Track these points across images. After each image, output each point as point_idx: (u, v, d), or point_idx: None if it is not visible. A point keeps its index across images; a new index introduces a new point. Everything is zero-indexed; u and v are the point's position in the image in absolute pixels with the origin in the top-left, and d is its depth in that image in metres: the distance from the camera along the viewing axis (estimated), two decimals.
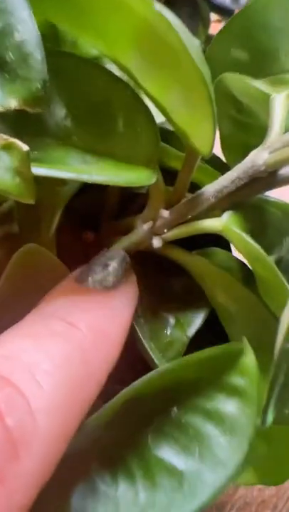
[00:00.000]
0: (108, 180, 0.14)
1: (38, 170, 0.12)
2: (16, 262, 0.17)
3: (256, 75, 0.20)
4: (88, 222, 0.22)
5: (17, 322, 0.15)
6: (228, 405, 0.16)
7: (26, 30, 0.11)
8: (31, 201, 0.12)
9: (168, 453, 0.15)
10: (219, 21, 0.84)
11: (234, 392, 0.16)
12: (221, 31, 0.21)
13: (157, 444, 0.15)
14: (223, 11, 0.79)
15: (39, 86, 0.11)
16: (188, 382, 0.16)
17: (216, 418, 0.16)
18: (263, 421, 0.14)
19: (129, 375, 0.18)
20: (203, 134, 0.14)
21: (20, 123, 0.14)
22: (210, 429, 0.16)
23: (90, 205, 0.22)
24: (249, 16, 0.20)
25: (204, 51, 0.21)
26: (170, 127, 0.19)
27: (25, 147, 0.12)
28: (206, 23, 0.77)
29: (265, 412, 0.13)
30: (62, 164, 0.14)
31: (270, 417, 0.14)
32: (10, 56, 0.11)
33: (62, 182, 0.20)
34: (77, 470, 0.15)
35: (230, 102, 0.20)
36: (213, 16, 0.77)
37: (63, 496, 0.15)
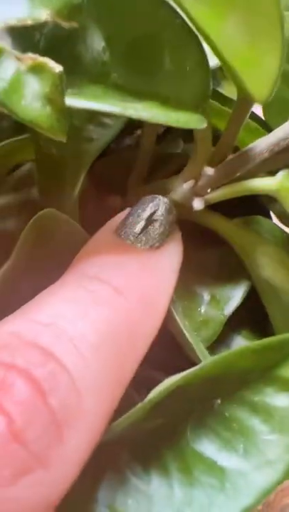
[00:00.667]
0: (156, 118, 0.12)
1: (74, 101, 0.10)
2: (33, 229, 0.15)
3: None
4: (115, 186, 0.20)
5: (34, 293, 0.13)
6: (278, 400, 0.14)
7: None
8: (63, 138, 0.11)
9: (208, 447, 0.14)
10: None
11: (285, 386, 0.14)
12: None
13: (197, 437, 0.14)
14: None
15: None
16: (236, 375, 0.14)
17: (264, 413, 0.14)
18: None
19: (160, 355, 0.16)
20: (263, 72, 0.12)
21: (51, 57, 0.12)
22: (257, 425, 0.14)
23: (117, 168, 0.20)
24: None
25: None
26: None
27: (58, 67, 0.10)
28: None
29: None
30: (102, 99, 0.11)
31: None
32: None
33: (88, 139, 0.18)
34: (107, 459, 0.13)
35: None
36: None
37: (90, 486, 0.13)
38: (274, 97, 0.19)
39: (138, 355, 0.13)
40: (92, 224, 0.19)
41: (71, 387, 0.11)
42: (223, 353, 0.13)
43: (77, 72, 0.12)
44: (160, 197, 0.15)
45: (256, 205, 0.19)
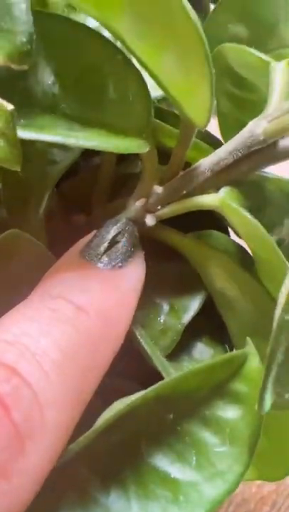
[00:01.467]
0: (97, 145, 0.13)
1: (24, 133, 0.12)
2: None
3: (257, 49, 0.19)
4: (79, 205, 0.21)
5: None
6: (228, 412, 0.15)
7: None
8: (17, 167, 0.12)
9: (162, 461, 0.14)
10: None
11: (235, 398, 0.15)
12: (217, 7, 0.21)
13: (151, 452, 0.14)
14: None
15: (24, 39, 0.11)
16: (188, 391, 0.15)
17: (215, 425, 0.15)
18: (260, 406, 0.13)
19: (122, 363, 0.17)
20: (199, 102, 0.14)
21: (5, 92, 0.13)
22: (208, 437, 0.15)
23: (81, 188, 0.21)
24: None
25: None
26: (164, 106, 0.19)
27: (10, 106, 0.11)
28: (206, 13, 0.77)
29: (262, 396, 0.13)
30: (50, 129, 0.13)
31: (268, 402, 0.13)
32: None
33: (51, 161, 0.19)
34: (68, 477, 0.14)
35: (228, 76, 0.19)
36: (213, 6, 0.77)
37: (51, 501, 0.14)
38: (226, 117, 0.21)
39: (100, 370, 0.14)
40: (58, 241, 0.20)
41: (34, 401, 0.12)
42: (173, 376, 0.14)
43: (30, 103, 0.14)
44: (123, 219, 0.16)
45: (214, 219, 0.21)
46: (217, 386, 0.15)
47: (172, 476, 0.14)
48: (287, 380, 0.13)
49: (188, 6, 0.12)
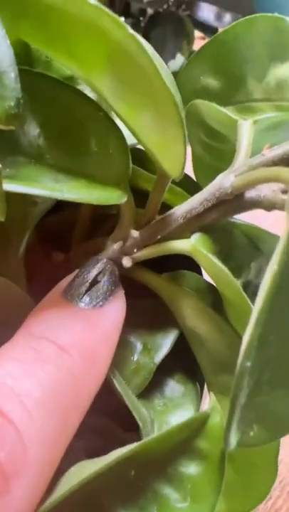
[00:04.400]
0: (80, 198, 0.14)
1: (10, 186, 0.12)
2: None
3: (226, 101, 0.21)
4: (59, 242, 0.22)
5: None
6: (189, 468, 0.15)
7: (0, 50, 0.11)
8: (2, 218, 0.12)
9: None
10: (203, 38, 0.87)
11: (197, 455, 0.15)
12: (191, 59, 0.22)
13: (114, 507, 0.15)
14: (207, 29, 0.82)
15: (12, 104, 0.11)
16: (152, 451, 0.15)
17: (177, 481, 0.15)
18: (226, 443, 0.13)
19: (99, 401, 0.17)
20: (173, 157, 0.15)
21: None
22: (170, 493, 0.15)
23: (61, 226, 0.22)
24: (219, 45, 0.20)
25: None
26: (143, 148, 0.20)
27: None
28: (190, 40, 0.80)
29: (227, 434, 0.13)
30: (34, 182, 0.14)
31: (233, 440, 0.13)
32: None
33: (32, 203, 0.20)
34: None
35: (201, 127, 0.20)
36: (197, 33, 0.80)
37: None
38: (200, 162, 0.22)
39: (82, 407, 0.14)
40: (37, 276, 0.21)
41: (18, 440, 0.12)
42: (136, 444, 0.14)
43: (16, 153, 0.15)
44: (104, 259, 0.17)
45: (189, 259, 0.22)
46: (180, 444, 0.15)
47: None
48: (251, 419, 0.13)
49: (165, 74, 0.13)
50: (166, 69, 0.13)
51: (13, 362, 0.14)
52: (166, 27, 0.80)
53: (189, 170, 0.21)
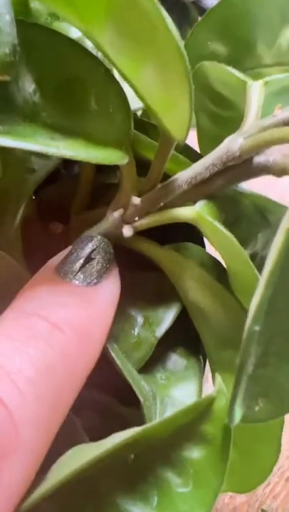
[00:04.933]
0: (77, 155, 0.13)
1: (4, 141, 0.12)
2: None
3: (234, 68, 0.19)
4: (57, 214, 0.21)
5: None
6: (193, 453, 0.15)
7: None
8: None
9: (124, 500, 0.14)
10: None
11: (201, 439, 0.15)
12: (198, 24, 0.21)
13: (113, 490, 0.14)
14: None
15: (7, 51, 0.11)
16: (155, 435, 0.14)
17: (179, 466, 0.15)
18: (230, 419, 0.13)
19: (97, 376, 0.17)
20: (178, 116, 0.14)
21: None
22: (171, 478, 0.14)
23: (60, 196, 0.21)
24: (227, 7, 0.19)
25: None
26: (145, 118, 0.19)
27: None
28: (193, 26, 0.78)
29: (231, 408, 0.12)
30: (30, 138, 0.13)
31: (237, 415, 0.13)
32: None
33: (29, 170, 0.19)
34: None
35: (207, 94, 0.19)
36: None
37: None
38: (204, 132, 0.21)
39: (76, 386, 0.14)
40: (34, 249, 0.20)
41: (9, 420, 0.12)
42: (140, 429, 0.13)
43: (10, 110, 0.14)
44: (98, 236, 0.16)
45: (192, 231, 0.21)
46: (184, 428, 0.15)
47: None
48: (256, 392, 0.13)
49: (170, 22, 0.12)
50: (171, 20, 0.13)
51: (4, 339, 0.13)
52: (171, 14, 0.78)
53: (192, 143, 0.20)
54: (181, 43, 0.12)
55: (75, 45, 0.14)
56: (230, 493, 0.44)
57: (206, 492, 0.14)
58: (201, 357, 0.21)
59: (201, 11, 0.81)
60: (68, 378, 0.13)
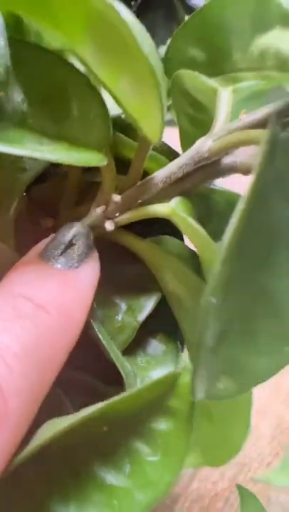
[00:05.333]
0: (59, 158, 0.14)
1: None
2: None
3: (212, 72, 0.21)
4: (47, 209, 0.22)
5: None
6: (160, 425, 0.16)
7: None
8: None
9: (99, 468, 0.16)
10: None
11: (168, 413, 0.16)
12: (178, 30, 0.22)
13: (89, 460, 0.16)
14: None
15: (1, 71, 0.12)
16: (126, 409, 0.16)
17: (148, 437, 0.16)
18: (193, 393, 0.14)
19: (82, 359, 0.18)
20: (152, 122, 0.15)
21: None
22: (141, 448, 0.16)
23: (50, 194, 0.23)
24: (205, 16, 0.21)
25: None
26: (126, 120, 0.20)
27: None
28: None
29: (194, 383, 0.14)
30: (18, 144, 0.14)
31: (200, 389, 0.14)
32: None
33: (21, 169, 0.20)
34: (15, 480, 0.15)
35: (186, 98, 0.21)
36: None
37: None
38: (185, 133, 0.23)
39: (59, 361, 0.15)
40: (26, 242, 0.22)
41: None
42: (111, 399, 0.15)
43: (1, 118, 0.15)
44: (78, 224, 0.17)
45: (171, 225, 0.22)
46: (151, 402, 0.16)
47: (108, 482, 0.15)
48: (219, 370, 0.14)
49: (143, 39, 0.14)
50: (146, 36, 0.14)
51: None
52: (158, 12, 0.79)
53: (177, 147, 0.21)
54: (154, 59, 0.14)
55: (59, 59, 0.15)
56: (212, 480, 0.45)
57: (173, 460, 0.16)
58: (178, 343, 0.22)
59: (188, 9, 0.82)
60: (52, 354, 0.15)
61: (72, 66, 0.15)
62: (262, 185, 0.11)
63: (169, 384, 0.16)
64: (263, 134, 0.13)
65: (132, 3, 0.83)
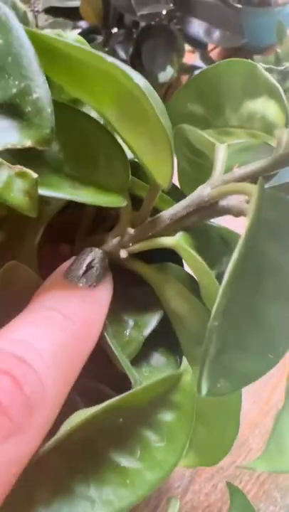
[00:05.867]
0: (92, 201, 0.18)
1: (42, 191, 0.17)
2: (1, 278, 0.21)
3: (208, 125, 0.25)
4: (66, 238, 0.26)
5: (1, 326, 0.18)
6: (166, 416, 0.19)
7: (42, 91, 0.15)
8: (34, 214, 0.17)
9: (114, 454, 0.18)
10: (193, 52, 0.90)
11: (172, 406, 0.19)
12: (181, 89, 0.26)
13: (106, 447, 0.18)
14: (197, 43, 0.86)
15: (48, 132, 0.16)
16: (137, 402, 0.18)
17: (156, 426, 0.19)
18: (198, 391, 0.17)
19: (97, 371, 0.21)
20: (163, 173, 0.19)
21: (25, 154, 0.18)
22: (150, 436, 0.19)
23: (68, 224, 0.26)
24: (204, 80, 0.25)
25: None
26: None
27: (34, 175, 0.16)
28: (181, 53, 0.83)
29: (199, 383, 0.17)
30: (56, 188, 0.18)
31: (204, 388, 0.18)
32: (28, 109, 0.15)
33: (46, 202, 0.24)
34: (40, 467, 0.17)
35: (186, 145, 0.25)
36: (187, 47, 0.84)
37: (28, 488, 0.17)
38: (184, 175, 0.26)
39: (82, 360, 0.18)
40: (47, 266, 0.25)
41: (38, 381, 0.16)
42: (125, 393, 0.18)
43: (42, 165, 0.19)
44: (96, 249, 0.21)
45: (174, 254, 0.26)
46: (159, 397, 0.19)
47: (122, 465, 0.18)
48: (218, 374, 0.17)
49: (159, 108, 0.17)
50: (160, 105, 0.18)
51: (30, 326, 0.18)
52: (158, 39, 0.83)
53: (175, 181, 0.25)
54: (167, 123, 0.18)
55: (91, 121, 0.19)
56: (205, 491, 0.48)
57: (176, 445, 0.19)
58: (177, 357, 0.26)
59: (186, 37, 0.86)
60: (76, 354, 0.18)
61: (101, 126, 0.19)
62: (254, 232, 0.14)
63: (174, 381, 0.19)
64: (251, 188, 0.17)
65: (134, 30, 0.87)
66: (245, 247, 0.15)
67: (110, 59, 0.16)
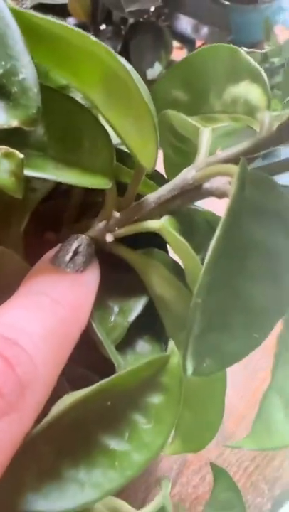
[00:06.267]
0: (77, 182, 0.18)
1: (28, 172, 0.17)
2: None
3: (192, 112, 0.25)
4: (52, 225, 0.26)
5: None
6: (154, 398, 0.19)
7: (28, 72, 0.15)
8: (20, 196, 0.17)
9: (103, 436, 0.18)
10: (181, 48, 0.90)
11: (160, 388, 0.19)
12: (165, 75, 0.26)
13: (95, 429, 0.18)
14: (185, 40, 0.86)
15: (34, 111, 0.16)
16: (125, 384, 0.19)
17: (144, 409, 0.19)
18: (184, 370, 0.18)
19: (84, 358, 0.22)
20: (148, 154, 0.19)
21: (10, 137, 0.18)
22: (138, 418, 0.19)
23: (54, 211, 0.26)
24: (188, 65, 0.25)
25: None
26: (124, 149, 0.24)
27: (20, 155, 0.16)
28: (169, 50, 0.83)
29: (184, 363, 0.17)
30: (42, 169, 0.18)
31: (189, 367, 0.18)
32: (14, 89, 0.15)
33: (32, 189, 0.24)
34: (31, 450, 0.18)
35: (171, 132, 0.25)
36: (175, 44, 0.84)
37: (18, 471, 0.17)
38: (169, 161, 0.26)
39: (71, 344, 0.18)
40: (33, 253, 0.25)
41: (29, 362, 0.16)
42: (113, 376, 0.18)
43: (26, 147, 0.19)
44: (82, 235, 0.21)
45: (158, 239, 0.26)
46: (147, 379, 0.19)
47: (111, 447, 0.18)
48: (203, 353, 0.18)
49: (143, 90, 0.17)
50: (144, 86, 0.18)
51: (20, 310, 0.18)
52: (146, 36, 0.83)
53: (161, 169, 0.25)
54: (151, 104, 0.18)
55: (75, 103, 0.19)
56: (193, 484, 0.48)
57: (163, 427, 0.19)
58: (163, 344, 0.26)
59: (174, 34, 0.86)
60: (65, 337, 0.18)
61: (85, 108, 0.19)
62: (235, 211, 0.15)
63: (161, 363, 0.19)
64: (234, 169, 0.17)
65: (122, 27, 0.87)
66: (228, 224, 0.15)
67: (94, 38, 0.16)
